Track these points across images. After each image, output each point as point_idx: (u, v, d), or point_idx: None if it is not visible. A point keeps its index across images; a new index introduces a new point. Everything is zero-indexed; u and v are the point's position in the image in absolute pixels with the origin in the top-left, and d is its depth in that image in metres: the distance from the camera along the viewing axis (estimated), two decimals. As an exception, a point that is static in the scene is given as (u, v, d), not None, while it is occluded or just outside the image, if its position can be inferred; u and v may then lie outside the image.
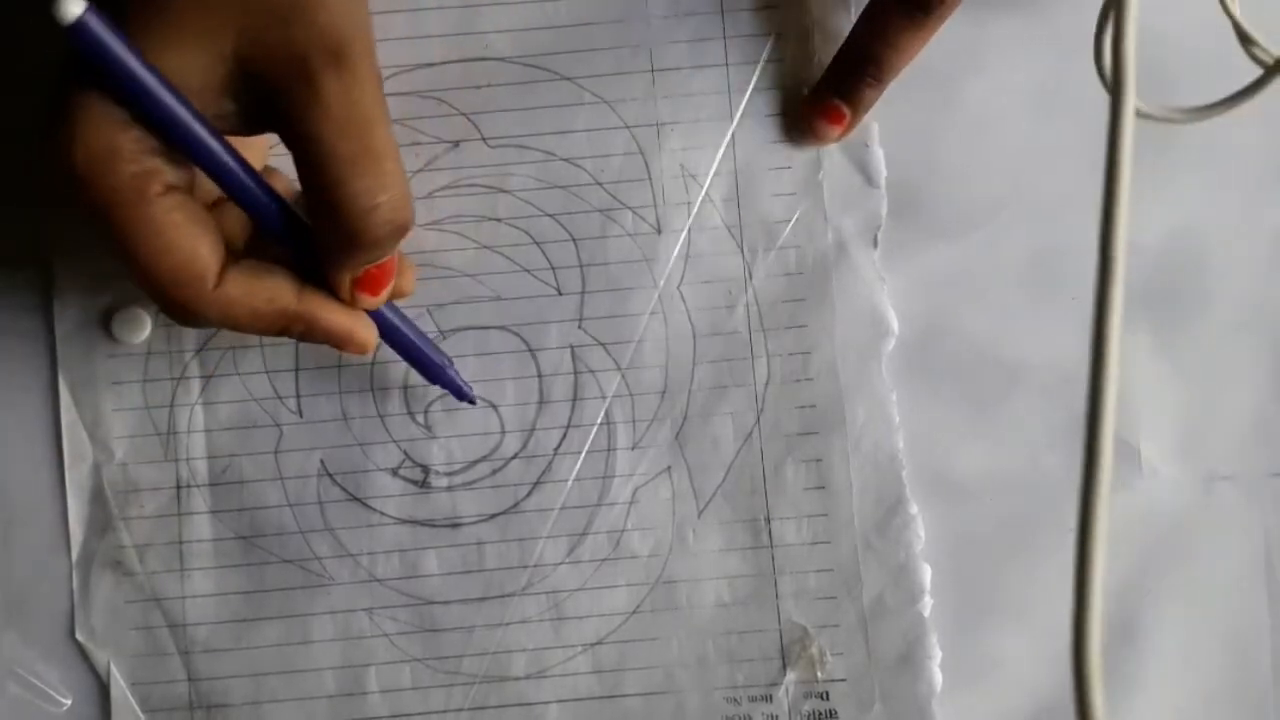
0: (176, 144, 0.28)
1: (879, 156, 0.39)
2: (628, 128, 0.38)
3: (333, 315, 0.32)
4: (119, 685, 0.37)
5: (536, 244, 0.38)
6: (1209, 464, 0.38)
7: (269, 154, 0.34)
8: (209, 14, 0.28)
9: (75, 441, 0.37)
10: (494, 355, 0.38)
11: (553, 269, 0.38)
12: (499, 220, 0.38)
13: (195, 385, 0.38)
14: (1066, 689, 0.37)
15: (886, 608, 0.37)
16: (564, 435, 0.38)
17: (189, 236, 0.28)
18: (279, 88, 0.28)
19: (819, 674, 0.37)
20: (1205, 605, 0.38)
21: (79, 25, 0.26)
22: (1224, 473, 0.38)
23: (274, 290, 0.31)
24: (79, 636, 0.37)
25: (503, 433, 0.38)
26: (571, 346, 0.38)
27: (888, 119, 0.39)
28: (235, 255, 0.31)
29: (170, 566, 0.37)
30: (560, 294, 0.38)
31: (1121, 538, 0.38)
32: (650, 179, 0.38)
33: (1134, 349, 0.39)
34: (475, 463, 0.38)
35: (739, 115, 0.39)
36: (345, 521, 0.37)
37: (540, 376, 0.38)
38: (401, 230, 0.30)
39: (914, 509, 0.37)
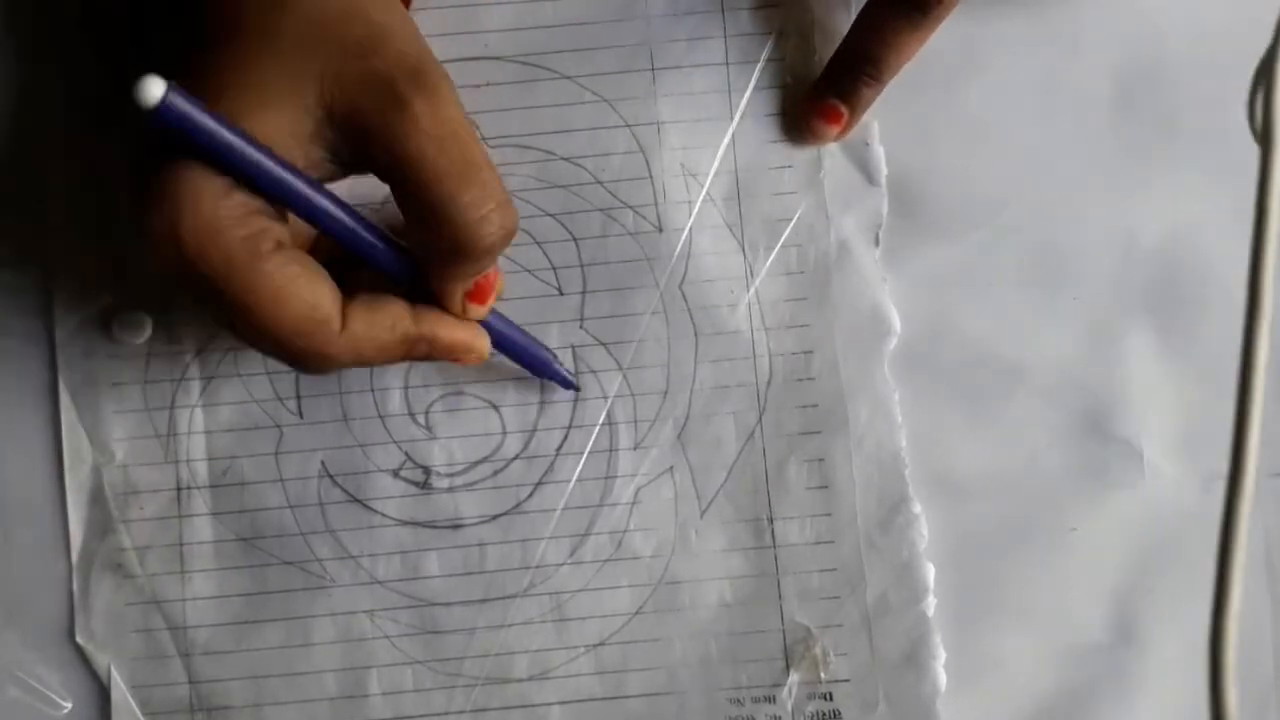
0: (279, 201, 0.29)
1: (880, 155, 0.39)
2: (628, 126, 0.38)
3: (452, 330, 0.32)
4: (119, 688, 0.36)
5: (537, 244, 0.38)
6: (1210, 464, 0.38)
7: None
8: (287, 70, 0.29)
9: (75, 443, 0.37)
10: (494, 355, 0.38)
11: (553, 269, 0.38)
12: (499, 220, 0.38)
13: (196, 387, 0.37)
14: (1069, 688, 0.37)
15: (890, 607, 0.37)
16: (565, 436, 0.38)
17: (308, 287, 0.29)
18: (370, 118, 0.28)
19: (822, 674, 0.37)
20: (1205, 605, 0.37)
21: (163, 106, 0.26)
22: (1225, 472, 0.38)
23: (394, 318, 0.31)
24: (79, 639, 0.37)
25: (504, 433, 0.38)
26: (573, 346, 0.38)
27: (889, 118, 0.39)
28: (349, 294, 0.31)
29: (171, 569, 0.37)
30: (561, 294, 0.38)
31: (1124, 538, 0.38)
32: (651, 178, 0.38)
33: (1135, 349, 0.38)
34: (476, 464, 0.38)
35: (739, 114, 0.39)
36: (346, 523, 0.37)
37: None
38: (510, 235, 0.30)
39: (917, 508, 0.37)
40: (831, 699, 0.37)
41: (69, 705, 0.37)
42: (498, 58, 0.38)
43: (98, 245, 0.37)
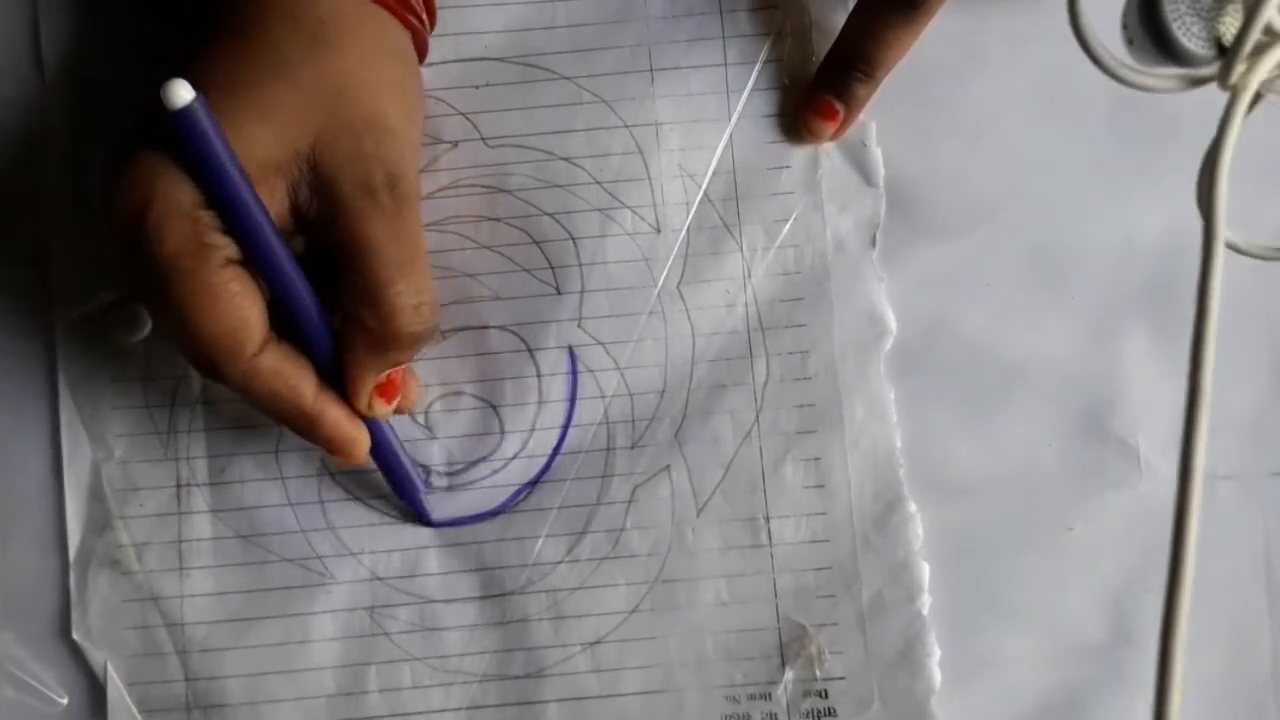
0: (241, 241, 0.30)
1: (877, 156, 0.39)
2: (627, 127, 0.39)
3: (340, 422, 0.33)
4: (115, 685, 0.36)
5: (535, 243, 0.38)
6: (1209, 463, 0.38)
7: None
8: (295, 108, 0.30)
9: (74, 439, 0.37)
10: (493, 355, 0.38)
11: (552, 268, 0.38)
12: (498, 220, 0.38)
13: (196, 384, 0.38)
14: (1067, 687, 0.37)
15: (885, 606, 0.37)
16: (563, 435, 0.38)
17: (241, 306, 0.30)
18: (343, 190, 0.31)
19: (818, 672, 0.37)
20: (1204, 605, 0.38)
21: (185, 113, 0.28)
22: (1224, 472, 0.38)
23: (299, 380, 0.32)
24: (76, 635, 0.37)
25: (502, 433, 0.38)
26: (570, 346, 0.38)
27: (887, 118, 0.39)
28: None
29: (169, 565, 0.37)
30: (559, 293, 0.38)
31: (1121, 537, 0.38)
32: (649, 178, 0.38)
33: (1133, 349, 0.39)
34: (475, 463, 0.38)
35: (737, 115, 0.39)
36: (346, 520, 0.37)
37: (539, 376, 0.38)
38: (433, 332, 0.33)
39: (912, 507, 0.37)
40: (827, 696, 0.37)
41: (65, 701, 0.37)
42: (497, 58, 0.39)
43: (97, 242, 0.37)
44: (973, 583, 0.37)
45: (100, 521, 0.37)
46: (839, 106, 0.38)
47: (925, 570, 0.37)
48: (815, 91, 0.38)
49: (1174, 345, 0.38)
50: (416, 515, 0.37)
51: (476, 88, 0.38)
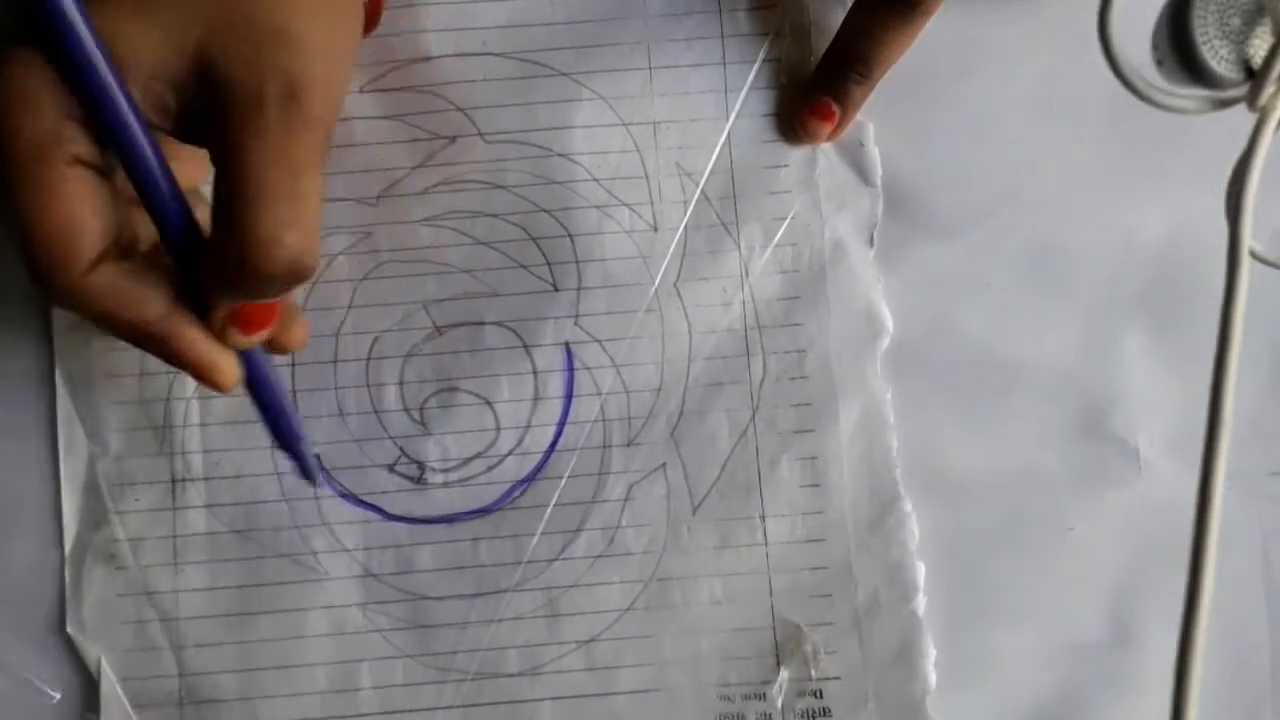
0: (98, 121, 0.27)
1: (875, 156, 0.39)
2: (625, 125, 0.39)
3: (196, 345, 0.30)
4: (109, 679, 0.36)
5: (533, 240, 0.38)
6: (1208, 464, 0.38)
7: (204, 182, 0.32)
8: (186, 4, 0.27)
9: (70, 434, 0.37)
10: (489, 351, 0.38)
11: (549, 265, 0.38)
12: (495, 216, 0.38)
13: (191, 379, 0.37)
14: (1066, 687, 0.37)
15: (880, 606, 0.37)
16: (559, 432, 0.38)
17: (76, 210, 0.27)
18: (228, 99, 0.27)
19: (813, 672, 0.37)
20: (1203, 604, 0.37)
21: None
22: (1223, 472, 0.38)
23: (141, 298, 0.29)
24: (70, 630, 0.37)
25: (498, 429, 0.38)
26: (567, 343, 0.38)
27: (885, 118, 0.39)
28: (124, 254, 0.29)
29: (163, 560, 0.37)
30: (556, 290, 0.38)
31: (1120, 537, 0.38)
32: (647, 176, 0.38)
33: (1133, 349, 0.39)
34: (470, 459, 0.38)
35: (735, 114, 0.39)
36: (341, 517, 0.37)
37: (535, 373, 0.38)
38: (296, 274, 0.28)
39: (908, 507, 0.37)
40: (821, 696, 0.37)
41: (58, 696, 0.37)
42: (496, 54, 0.39)
43: None
44: (972, 582, 0.37)
45: (96, 516, 0.37)
46: (835, 107, 0.38)
47: (921, 570, 0.37)
48: (812, 92, 0.38)
49: (1174, 345, 0.38)
50: (299, 466, 0.35)
51: (474, 83, 0.38)
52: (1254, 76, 0.21)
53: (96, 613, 0.37)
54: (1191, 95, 0.21)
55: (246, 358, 0.31)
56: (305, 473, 0.35)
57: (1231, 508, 0.38)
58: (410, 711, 0.37)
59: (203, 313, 0.30)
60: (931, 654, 0.37)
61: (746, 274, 0.38)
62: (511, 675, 0.37)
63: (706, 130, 0.39)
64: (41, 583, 0.37)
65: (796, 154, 0.39)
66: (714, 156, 0.39)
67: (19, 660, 0.37)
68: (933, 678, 0.36)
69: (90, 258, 0.28)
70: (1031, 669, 0.37)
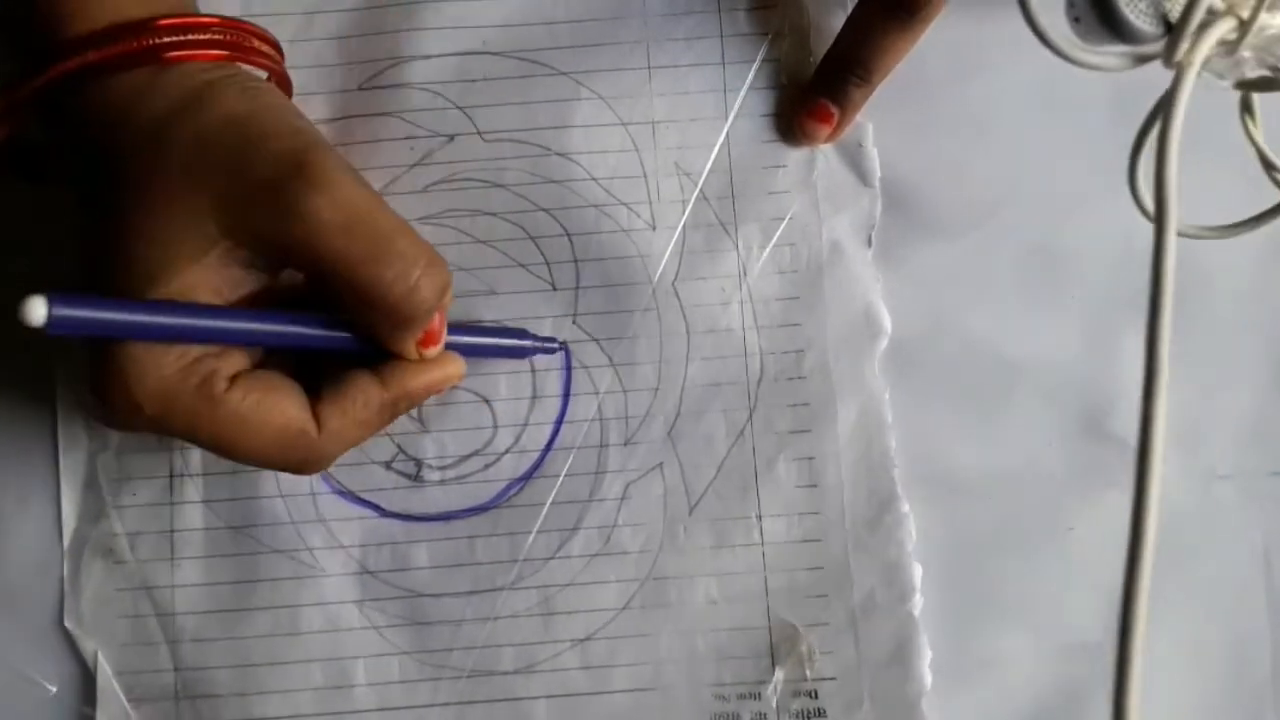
0: (211, 344, 0.29)
1: (873, 156, 0.39)
2: (623, 124, 0.39)
3: (421, 377, 0.32)
4: (105, 673, 0.36)
5: (531, 239, 0.38)
6: (1208, 463, 0.38)
7: None
8: (178, 211, 0.29)
9: (71, 429, 0.38)
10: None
11: (547, 264, 0.38)
12: (493, 214, 0.38)
13: None
14: (1067, 687, 0.37)
15: (877, 606, 0.37)
16: (556, 430, 0.38)
17: (275, 407, 0.30)
18: (273, 229, 0.29)
19: (808, 672, 0.36)
20: (1204, 605, 0.37)
21: (53, 322, 0.26)
22: (1222, 472, 0.38)
23: (364, 395, 0.31)
24: (68, 623, 0.37)
25: (495, 427, 0.38)
26: (565, 341, 0.38)
27: (884, 119, 0.39)
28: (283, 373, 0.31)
29: (161, 555, 0.37)
30: (554, 289, 0.38)
31: (1121, 537, 0.37)
32: (645, 176, 0.39)
33: (1133, 349, 0.38)
34: (467, 457, 0.38)
35: (734, 114, 0.39)
36: (337, 513, 0.37)
37: (533, 371, 0.38)
38: (444, 288, 0.31)
39: (905, 508, 0.37)
40: (816, 696, 0.36)
41: (54, 689, 0.37)
42: (495, 53, 0.39)
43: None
44: (972, 583, 0.37)
45: (95, 511, 0.37)
46: (834, 110, 0.38)
47: (917, 571, 0.37)
48: (811, 94, 0.38)
49: (1173, 345, 0.38)
50: (545, 351, 0.37)
51: (474, 82, 0.39)
52: (1171, 30, 0.20)
53: (94, 607, 0.37)
54: (1110, 52, 0.21)
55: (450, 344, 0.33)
56: (550, 350, 0.38)
57: (1231, 508, 0.38)
58: (405, 708, 0.37)
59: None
60: (927, 655, 0.36)
61: (744, 274, 0.38)
62: (507, 673, 0.37)
63: (705, 130, 0.39)
64: (41, 576, 0.37)
65: (795, 154, 0.39)
66: (712, 156, 0.39)
67: (17, 653, 0.37)
68: (928, 678, 0.36)
69: (313, 420, 0.31)
70: (1031, 669, 0.37)
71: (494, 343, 0.36)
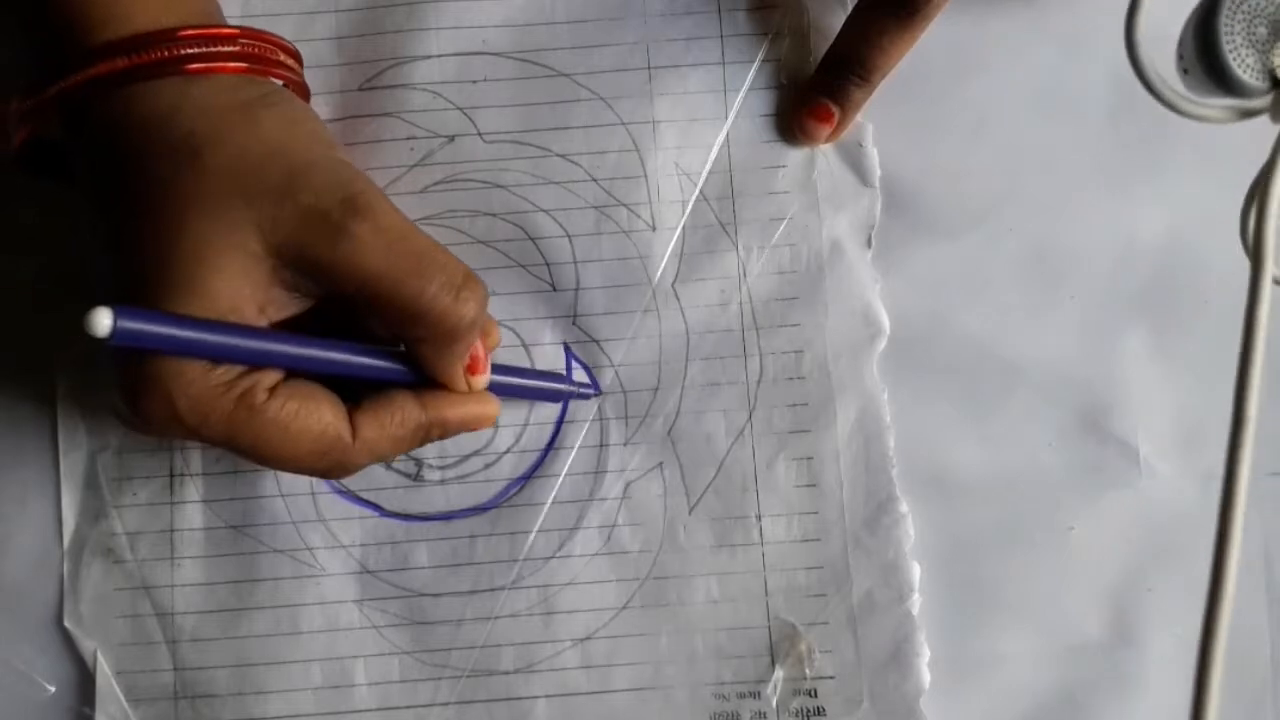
0: (276, 366, 0.30)
1: (873, 156, 0.39)
2: (624, 125, 0.39)
3: (459, 408, 0.33)
4: (104, 673, 0.36)
5: (531, 239, 0.38)
6: (1208, 463, 0.38)
7: None
8: (221, 229, 0.29)
9: (71, 429, 0.38)
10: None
11: (547, 264, 0.38)
12: (494, 215, 0.38)
13: None
14: (1067, 687, 0.37)
15: (876, 605, 0.37)
16: (557, 430, 0.38)
17: (313, 415, 0.30)
18: (319, 252, 0.30)
19: (807, 671, 0.36)
20: (1202, 604, 0.37)
21: (117, 333, 0.27)
22: (1221, 472, 0.38)
23: (402, 413, 0.32)
24: (67, 623, 0.37)
25: (496, 427, 0.38)
26: (565, 342, 0.38)
27: (884, 119, 0.39)
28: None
29: (161, 555, 0.37)
30: (555, 290, 0.38)
31: (1121, 537, 0.38)
32: (645, 176, 0.39)
33: (1133, 349, 0.38)
34: (468, 456, 0.38)
35: (734, 114, 0.39)
36: (337, 513, 0.37)
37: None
38: (485, 302, 0.32)
39: (904, 507, 0.37)
40: (816, 695, 0.36)
41: (53, 689, 0.37)
42: (496, 53, 0.39)
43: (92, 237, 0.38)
44: (972, 582, 0.37)
45: (95, 510, 0.37)
46: (834, 109, 0.38)
47: (916, 571, 0.37)
48: (811, 94, 0.38)
49: (1173, 345, 0.38)
50: (581, 397, 0.38)
51: (474, 83, 0.39)
52: (1278, 85, 0.21)
53: (94, 606, 0.37)
54: (1217, 104, 0.21)
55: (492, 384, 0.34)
56: (587, 395, 0.38)
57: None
58: (405, 708, 0.37)
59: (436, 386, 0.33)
60: (926, 654, 0.36)
61: (744, 274, 0.38)
62: (507, 672, 0.37)
63: (705, 130, 0.39)
64: (40, 576, 0.37)
65: (795, 155, 0.39)
66: (712, 156, 0.39)
67: (16, 653, 0.37)
68: (927, 677, 0.36)
69: (349, 428, 0.31)
70: (1030, 669, 0.37)
71: (534, 385, 0.37)
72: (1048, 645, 0.37)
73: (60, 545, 0.37)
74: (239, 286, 0.29)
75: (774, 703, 0.36)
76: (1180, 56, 0.22)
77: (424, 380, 0.33)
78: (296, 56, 0.35)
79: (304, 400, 0.30)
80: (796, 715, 0.36)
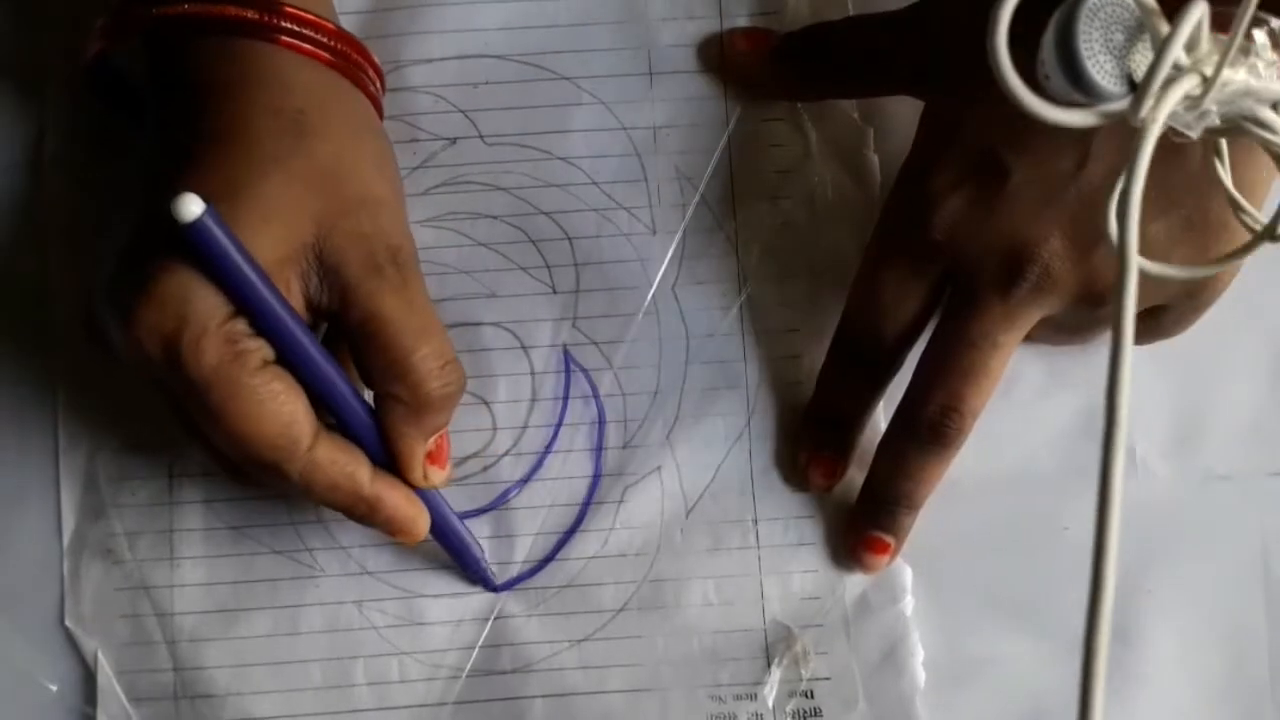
0: (274, 342, 0.30)
1: (874, 162, 0.39)
2: (625, 129, 0.39)
3: (399, 502, 0.33)
4: (105, 673, 0.37)
5: (531, 242, 0.38)
6: (1206, 463, 0.38)
7: None
8: (294, 202, 0.31)
9: (71, 428, 0.38)
10: (487, 352, 0.38)
11: (547, 267, 0.38)
12: (494, 217, 0.38)
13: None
14: (1065, 687, 0.37)
15: (870, 607, 0.37)
16: (555, 433, 0.38)
17: (288, 404, 0.30)
18: (351, 273, 0.31)
19: (803, 673, 0.37)
20: (1202, 605, 0.38)
21: (200, 224, 0.27)
22: (1221, 472, 0.38)
23: (355, 467, 0.32)
24: (68, 623, 0.37)
25: (494, 429, 0.38)
26: (564, 345, 0.38)
27: (883, 123, 0.39)
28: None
29: (160, 555, 0.37)
30: (554, 292, 0.38)
31: (1119, 537, 0.38)
32: (646, 180, 0.39)
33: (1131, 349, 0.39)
34: (467, 459, 0.38)
35: (735, 119, 0.39)
36: (337, 514, 0.37)
37: (533, 374, 0.38)
38: (461, 390, 0.33)
39: (899, 510, 0.38)
40: (812, 696, 0.37)
41: (54, 689, 0.37)
42: (497, 56, 0.39)
43: (94, 237, 0.38)
44: (969, 582, 0.37)
45: (94, 510, 0.37)
46: (889, 539, 0.37)
47: (908, 572, 0.37)
48: (861, 527, 0.37)
49: (1171, 345, 0.38)
50: (481, 582, 0.37)
51: (475, 85, 0.39)
52: (1136, 90, 0.22)
53: (94, 606, 0.37)
54: (1077, 109, 0.22)
55: (429, 501, 0.34)
56: (486, 585, 0.37)
57: (1230, 507, 0.38)
58: (404, 708, 0.37)
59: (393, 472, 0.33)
60: (920, 654, 0.37)
61: (744, 278, 0.39)
62: (504, 673, 0.37)
63: (706, 135, 0.39)
64: (41, 576, 0.37)
65: (795, 160, 0.39)
66: (713, 162, 0.39)
67: (17, 653, 0.37)
68: (921, 677, 0.37)
69: (310, 438, 0.31)
70: (1027, 669, 0.37)
71: (460, 538, 0.36)
72: (1043, 645, 0.37)
73: (60, 545, 0.37)
74: (280, 254, 0.30)
75: (770, 703, 0.37)
76: (1041, 63, 0.23)
77: (382, 458, 0.33)
78: (380, 73, 0.36)
79: (288, 388, 0.31)
80: (793, 716, 0.37)
